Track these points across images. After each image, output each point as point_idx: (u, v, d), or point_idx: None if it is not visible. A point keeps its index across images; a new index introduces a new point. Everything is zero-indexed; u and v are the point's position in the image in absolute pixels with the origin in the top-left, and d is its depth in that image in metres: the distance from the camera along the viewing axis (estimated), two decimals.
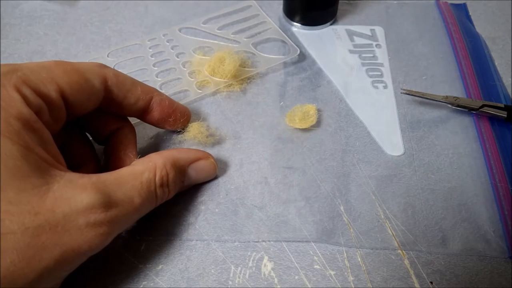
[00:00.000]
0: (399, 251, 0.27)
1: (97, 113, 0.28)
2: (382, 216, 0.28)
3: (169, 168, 0.25)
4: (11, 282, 0.18)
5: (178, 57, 0.38)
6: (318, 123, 0.33)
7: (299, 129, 0.33)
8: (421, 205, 0.29)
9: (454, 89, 0.36)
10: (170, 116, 0.30)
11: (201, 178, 0.29)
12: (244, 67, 0.37)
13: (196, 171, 0.28)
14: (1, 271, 0.17)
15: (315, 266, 0.26)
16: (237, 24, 0.41)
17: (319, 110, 0.34)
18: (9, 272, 0.18)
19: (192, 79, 0.36)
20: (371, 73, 0.37)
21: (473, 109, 0.33)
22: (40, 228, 0.19)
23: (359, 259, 0.27)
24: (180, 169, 0.27)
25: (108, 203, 0.21)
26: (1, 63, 0.22)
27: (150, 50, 0.39)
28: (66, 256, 0.19)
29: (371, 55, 0.39)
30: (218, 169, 0.30)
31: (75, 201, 0.20)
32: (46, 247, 0.19)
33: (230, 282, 0.26)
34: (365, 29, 0.42)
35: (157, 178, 0.24)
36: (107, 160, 0.28)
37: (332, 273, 0.26)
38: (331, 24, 0.42)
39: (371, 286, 0.25)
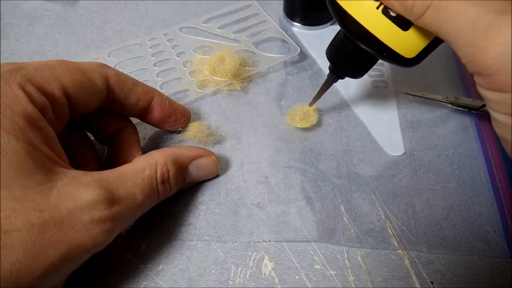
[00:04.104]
0: (400, 251, 0.27)
1: (99, 113, 0.28)
2: (383, 216, 0.28)
3: (170, 165, 0.25)
4: (17, 278, 0.18)
5: (178, 57, 0.38)
6: (318, 123, 0.33)
7: (300, 129, 0.33)
8: (421, 205, 0.29)
9: (455, 89, 0.36)
10: (171, 117, 0.30)
11: (203, 175, 0.29)
12: (245, 66, 0.37)
13: (197, 168, 0.28)
14: (7, 268, 0.18)
15: (316, 266, 0.26)
16: (237, 23, 0.41)
17: (319, 110, 0.34)
18: (15, 269, 0.18)
19: (193, 79, 0.36)
20: (371, 73, 0.37)
21: (473, 109, 0.33)
22: (45, 224, 0.19)
23: (359, 259, 0.27)
24: (181, 166, 0.27)
25: (111, 199, 0.21)
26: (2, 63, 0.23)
27: (151, 49, 0.39)
28: (71, 252, 0.19)
29: None
30: (219, 169, 0.30)
31: (80, 198, 0.20)
32: (51, 243, 0.19)
33: (231, 282, 0.26)
34: None
35: (158, 175, 0.24)
36: (112, 160, 0.28)
37: (333, 273, 0.26)
38: (331, 24, 0.42)
39: (371, 286, 0.25)
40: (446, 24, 0.20)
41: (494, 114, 0.21)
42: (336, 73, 0.29)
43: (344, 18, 0.24)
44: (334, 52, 0.28)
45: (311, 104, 0.32)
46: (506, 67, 0.18)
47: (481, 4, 0.19)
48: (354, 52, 0.26)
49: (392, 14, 0.22)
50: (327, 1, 0.25)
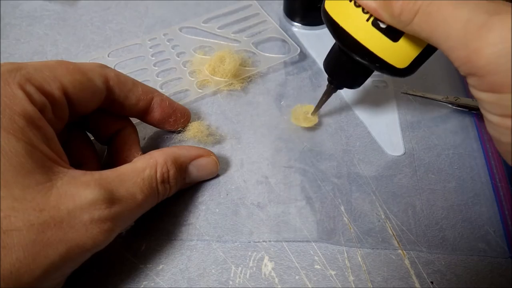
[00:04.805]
0: (400, 251, 0.27)
1: (99, 114, 0.28)
2: (383, 216, 0.28)
3: (170, 164, 0.25)
4: (17, 278, 0.18)
5: (178, 57, 0.38)
6: (318, 123, 0.33)
7: (300, 129, 0.33)
8: (421, 205, 0.29)
9: (455, 89, 0.36)
10: (171, 117, 0.30)
11: (203, 175, 0.29)
12: (245, 66, 0.37)
13: (197, 168, 0.28)
14: (7, 268, 0.18)
15: (316, 266, 0.26)
16: (237, 24, 0.41)
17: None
18: (15, 268, 0.18)
19: (193, 79, 0.36)
20: None
21: (473, 109, 0.33)
22: (45, 224, 0.19)
23: (359, 259, 0.27)
24: (181, 166, 0.27)
25: (111, 199, 0.21)
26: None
27: (151, 50, 0.39)
28: (71, 252, 0.19)
29: None
30: (219, 169, 0.30)
31: (79, 198, 0.20)
32: (51, 243, 0.19)
33: (231, 282, 0.26)
34: None
35: (158, 175, 0.24)
36: (112, 160, 0.28)
37: (333, 273, 0.26)
38: None
39: (371, 286, 0.25)
40: (436, 28, 0.19)
41: (488, 116, 0.20)
42: (334, 83, 0.29)
43: (337, 30, 0.24)
44: (330, 63, 0.28)
45: (313, 114, 0.33)
46: (500, 68, 0.18)
47: (472, 5, 0.18)
48: (349, 63, 0.27)
49: (382, 25, 0.22)
50: (321, 13, 0.25)
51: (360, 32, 0.23)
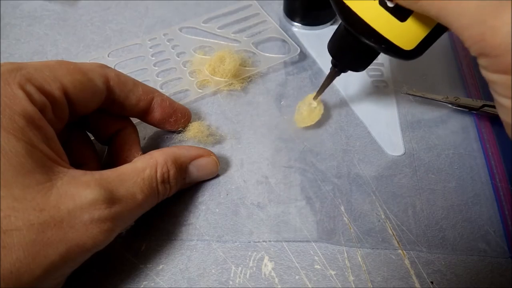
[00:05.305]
0: (400, 251, 0.27)
1: (100, 114, 0.28)
2: (383, 216, 0.28)
3: (170, 164, 0.25)
4: (17, 278, 0.18)
5: (178, 57, 0.38)
6: (318, 123, 0.33)
7: (300, 128, 0.33)
8: (421, 205, 0.29)
9: (455, 89, 0.36)
10: (171, 117, 0.30)
11: (203, 175, 0.29)
12: (245, 66, 0.37)
13: (197, 168, 0.28)
14: (7, 267, 0.18)
15: (316, 266, 0.26)
16: (237, 24, 0.41)
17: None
18: (15, 268, 0.18)
19: (193, 79, 0.36)
20: (371, 73, 0.37)
21: (473, 109, 0.33)
22: (45, 224, 0.19)
23: (359, 259, 0.27)
24: (181, 166, 0.27)
25: (111, 199, 0.21)
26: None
27: (151, 50, 0.39)
28: (71, 252, 0.20)
29: None
30: (219, 169, 0.30)
31: (79, 198, 0.20)
32: (51, 243, 0.19)
33: (231, 282, 0.26)
34: None
35: (158, 175, 0.24)
36: (112, 160, 0.28)
37: (333, 273, 0.26)
38: (331, 24, 0.42)
39: (371, 286, 0.25)
40: (448, 5, 0.18)
41: (500, 99, 0.19)
42: (338, 66, 0.29)
43: (343, 9, 0.24)
44: (335, 45, 0.28)
45: (315, 98, 0.32)
46: None
47: None
48: (354, 44, 0.26)
49: (389, 4, 0.22)
50: None
51: (367, 11, 0.23)
